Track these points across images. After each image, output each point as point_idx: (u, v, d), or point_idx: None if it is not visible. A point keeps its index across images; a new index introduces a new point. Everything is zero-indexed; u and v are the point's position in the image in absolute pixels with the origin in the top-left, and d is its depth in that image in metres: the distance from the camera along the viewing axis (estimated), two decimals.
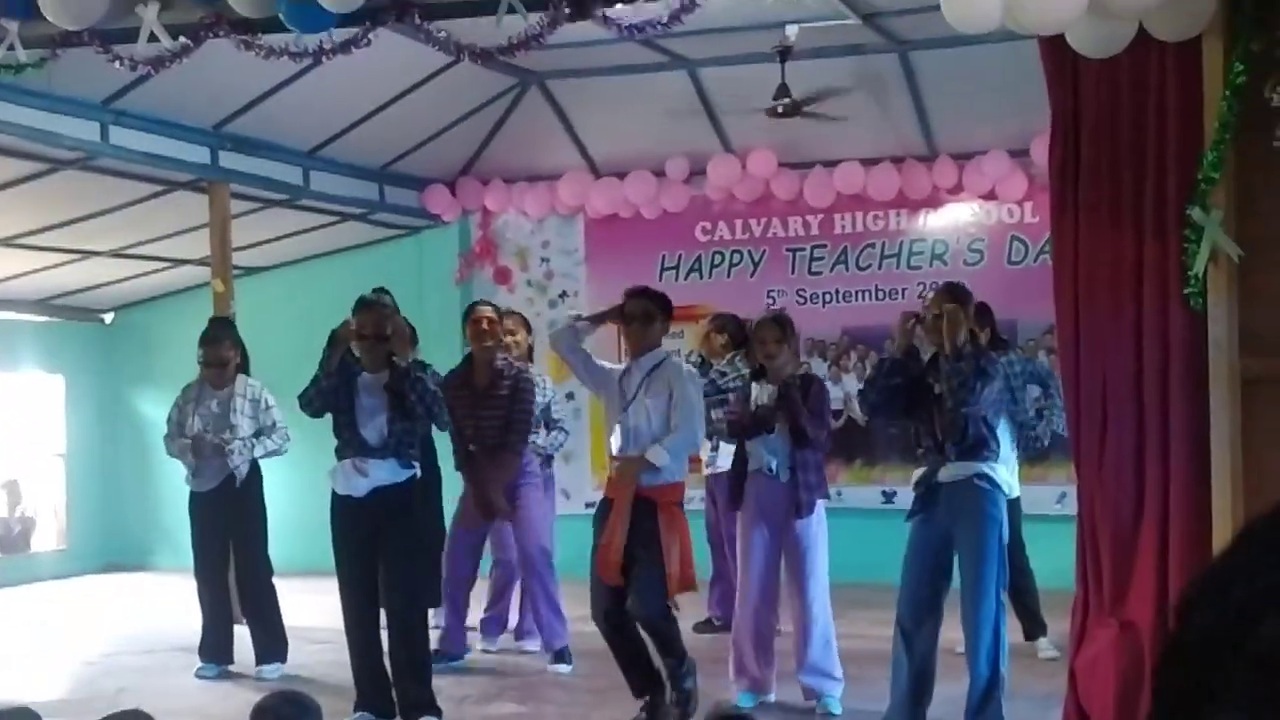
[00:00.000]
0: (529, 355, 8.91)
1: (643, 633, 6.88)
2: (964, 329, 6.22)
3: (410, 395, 6.95)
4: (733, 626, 7.37)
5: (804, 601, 7.10)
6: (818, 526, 7.11)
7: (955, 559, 6.42)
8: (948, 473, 6.33)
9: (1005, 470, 6.50)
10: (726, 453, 9.18)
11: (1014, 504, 8.17)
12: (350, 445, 7.07)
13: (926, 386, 6.38)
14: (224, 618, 8.50)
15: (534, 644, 8.85)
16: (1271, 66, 5.17)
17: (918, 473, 6.54)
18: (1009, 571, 8.25)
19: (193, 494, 8.44)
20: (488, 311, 8.39)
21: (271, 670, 8.35)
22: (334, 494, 7.14)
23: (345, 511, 7.08)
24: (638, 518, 6.71)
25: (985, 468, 6.32)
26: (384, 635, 7.19)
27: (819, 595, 7.11)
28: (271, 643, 8.44)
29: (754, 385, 7.29)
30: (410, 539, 7.14)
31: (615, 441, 6.88)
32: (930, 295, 6.56)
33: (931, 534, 6.42)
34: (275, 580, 8.65)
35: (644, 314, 6.96)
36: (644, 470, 6.73)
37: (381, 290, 7.22)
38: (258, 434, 8.44)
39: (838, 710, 7.11)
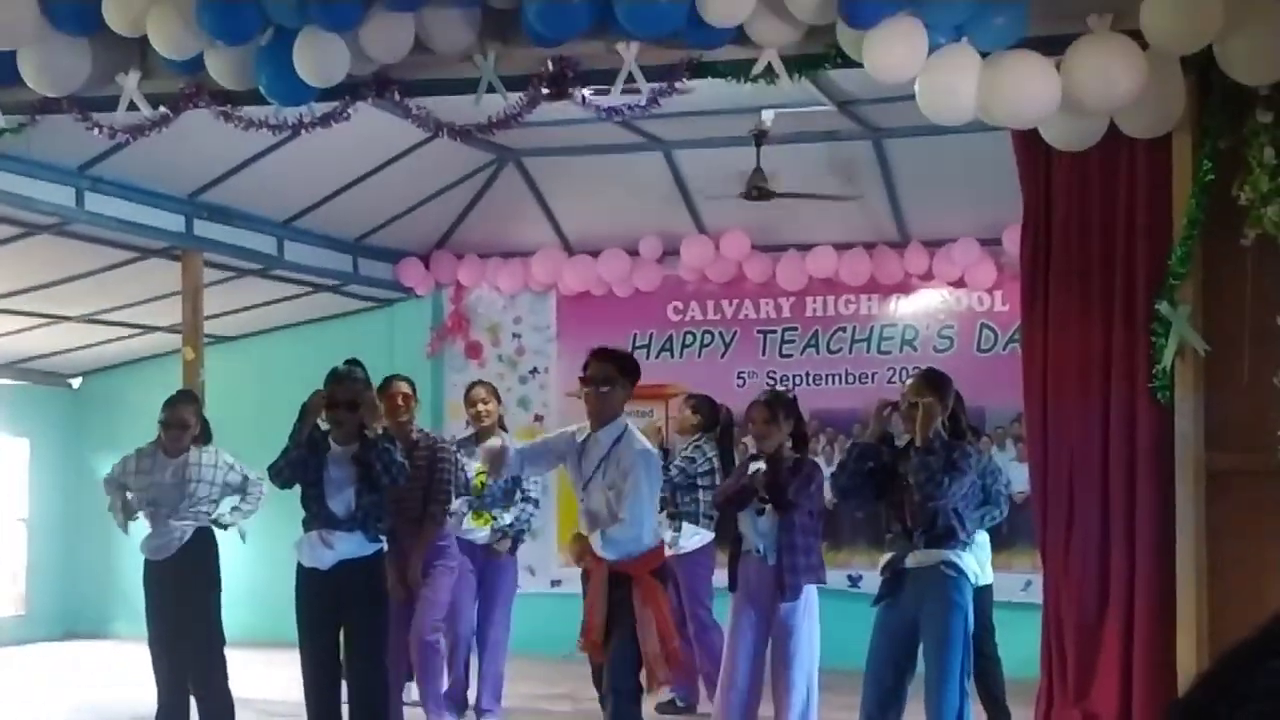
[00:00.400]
0: (500, 424, 8.90)
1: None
2: (937, 421, 6.24)
3: (376, 465, 6.95)
4: (717, 710, 7.28)
5: (783, 687, 7.04)
6: (804, 612, 7.02)
7: (920, 646, 6.41)
8: (915, 559, 6.35)
9: (972, 558, 6.50)
10: (690, 533, 9.18)
11: (985, 590, 8.18)
12: (317, 517, 7.05)
13: (898, 473, 6.40)
14: (179, 688, 8.38)
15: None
16: (1239, 165, 5.24)
17: (885, 558, 6.55)
18: (976, 658, 8.28)
19: (147, 562, 8.35)
20: (403, 387, 8.38)
21: None
22: (299, 566, 7.11)
23: (310, 583, 7.04)
24: (614, 591, 6.52)
25: (952, 555, 6.33)
26: (345, 710, 7.13)
27: (799, 682, 7.01)
28: (222, 715, 8.33)
29: (751, 464, 7.22)
30: (375, 613, 7.11)
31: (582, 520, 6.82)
32: (908, 381, 6.55)
33: (897, 620, 6.42)
34: (233, 651, 8.55)
35: (604, 378, 6.64)
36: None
37: (353, 362, 7.22)
38: (225, 490, 8.35)
39: None
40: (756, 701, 7.17)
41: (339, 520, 7.00)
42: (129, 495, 8.30)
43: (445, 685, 8.79)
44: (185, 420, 8.34)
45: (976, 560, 8.16)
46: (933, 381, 6.45)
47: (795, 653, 6.98)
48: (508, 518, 8.73)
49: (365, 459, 6.97)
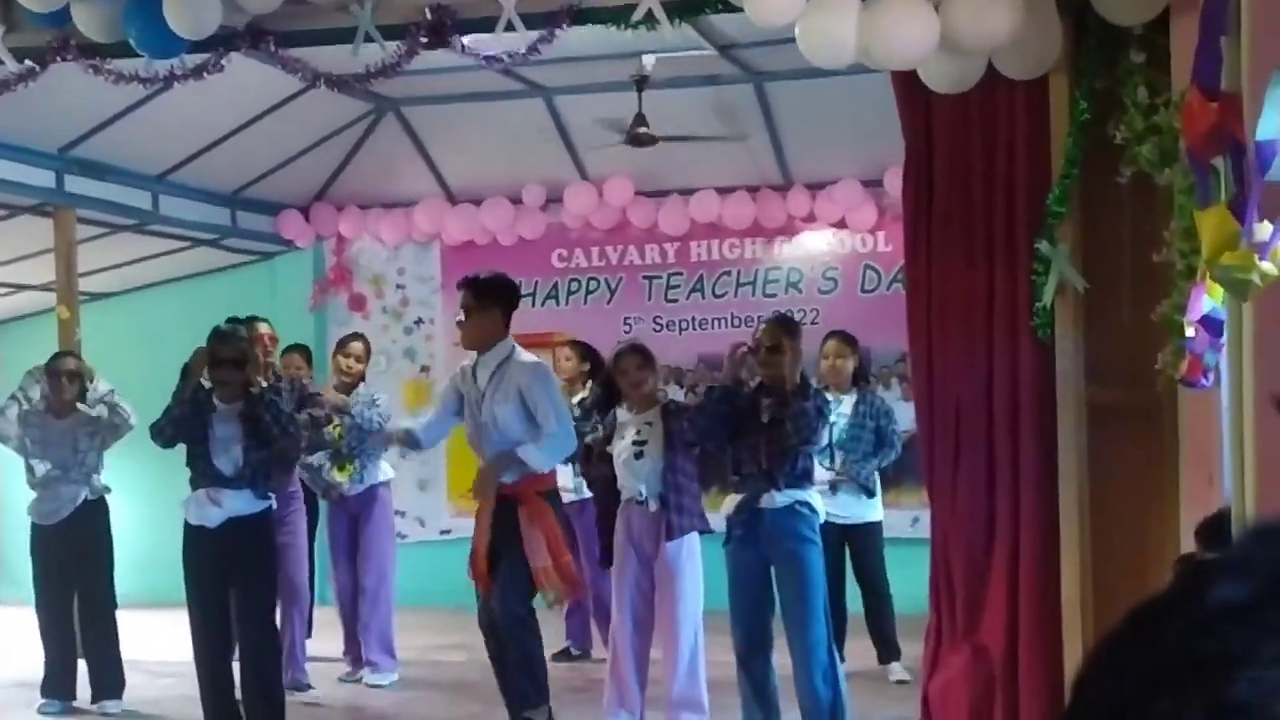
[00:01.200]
0: (360, 378, 8.91)
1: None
2: (800, 365, 6.48)
3: (265, 418, 6.91)
4: (610, 657, 7.32)
5: (668, 631, 7.09)
6: (687, 555, 7.08)
7: (775, 584, 6.54)
8: (770, 500, 6.45)
9: (819, 497, 6.67)
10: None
11: (875, 526, 8.32)
12: (204, 476, 7.01)
13: (753, 414, 6.49)
14: (68, 653, 8.28)
15: (382, 677, 8.80)
16: (1115, 104, 5.30)
17: (734, 499, 6.61)
18: (867, 595, 8.42)
19: (35, 526, 8.22)
20: (265, 328, 8.45)
21: (113, 706, 8.16)
22: (186, 525, 7.05)
23: (198, 542, 6.99)
24: (501, 516, 6.67)
25: (806, 495, 6.49)
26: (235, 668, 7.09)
27: (685, 625, 7.07)
28: (112, 678, 8.25)
29: (619, 412, 7.25)
30: (264, 571, 7.09)
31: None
32: (761, 326, 6.69)
33: (753, 561, 6.55)
34: (121, 613, 8.46)
35: (464, 306, 6.79)
36: (507, 469, 6.65)
37: (237, 320, 7.18)
38: (97, 425, 8.25)
39: None
40: (647, 647, 7.22)
41: (226, 478, 6.96)
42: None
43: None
44: (70, 368, 8.21)
45: (871, 503, 8.31)
46: (789, 327, 6.60)
47: (679, 597, 7.02)
48: (373, 466, 8.73)
49: (253, 414, 6.92)
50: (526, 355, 6.87)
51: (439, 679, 8.89)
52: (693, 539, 7.11)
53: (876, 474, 8.41)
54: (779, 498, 6.47)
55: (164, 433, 7.01)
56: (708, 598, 7.06)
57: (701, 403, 6.85)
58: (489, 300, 6.84)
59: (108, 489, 8.30)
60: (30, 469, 8.25)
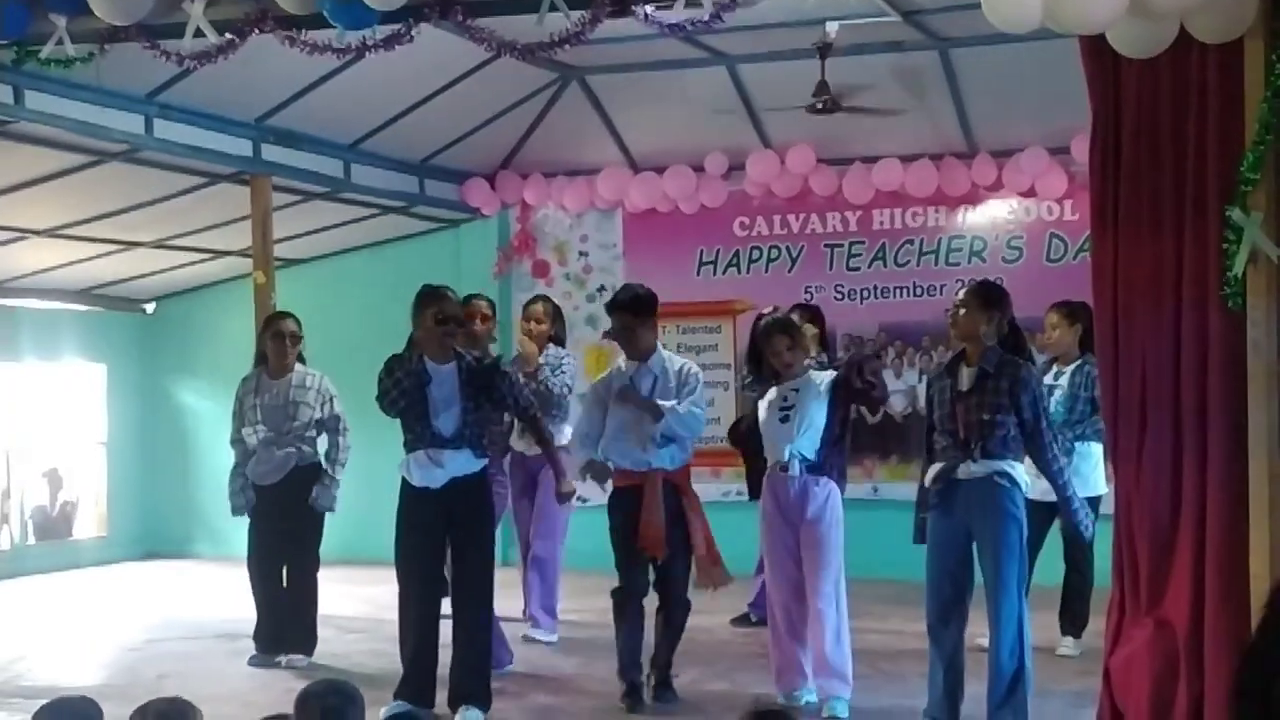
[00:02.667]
0: (552, 339, 8.98)
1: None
2: (981, 330, 6.41)
3: (508, 396, 7.16)
4: (770, 626, 7.38)
5: (813, 599, 7.11)
6: (831, 522, 7.10)
7: (975, 557, 6.46)
8: (967, 470, 6.37)
9: (1023, 468, 6.50)
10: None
11: (1095, 501, 8.06)
12: (422, 438, 7.06)
13: (949, 384, 6.43)
14: (278, 609, 8.53)
15: (542, 634, 8.99)
16: None
17: (934, 468, 6.54)
18: (1069, 572, 8.26)
19: (255, 486, 8.48)
20: (484, 306, 8.46)
21: (299, 661, 8.39)
22: (407, 485, 7.14)
23: (420, 502, 7.08)
24: (665, 498, 7.31)
25: (1006, 466, 6.36)
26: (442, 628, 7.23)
27: (829, 591, 7.08)
28: (303, 636, 8.49)
29: (773, 389, 7.27)
30: (484, 530, 7.18)
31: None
32: (958, 295, 6.63)
33: (951, 531, 6.46)
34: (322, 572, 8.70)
35: (636, 322, 7.38)
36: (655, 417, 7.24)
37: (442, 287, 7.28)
38: (319, 426, 8.46)
39: (844, 714, 7.02)
40: (805, 612, 7.19)
41: (445, 439, 7.03)
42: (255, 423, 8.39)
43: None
44: (295, 332, 8.44)
45: (1084, 471, 8.11)
46: (979, 292, 6.52)
47: (825, 562, 7.06)
48: (558, 429, 8.81)
49: (486, 383, 7.04)
50: (677, 357, 7.65)
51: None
52: (836, 507, 7.11)
53: (1093, 445, 8.19)
54: (975, 468, 6.37)
55: (396, 403, 6.99)
56: (906, 568, 7.05)
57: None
58: (647, 314, 7.44)
59: (316, 454, 8.50)
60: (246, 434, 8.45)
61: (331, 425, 8.48)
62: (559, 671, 8.38)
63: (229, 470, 8.60)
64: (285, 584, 8.51)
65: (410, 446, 7.12)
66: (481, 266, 12.47)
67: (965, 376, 6.42)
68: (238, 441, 8.48)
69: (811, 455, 7.06)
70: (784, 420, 7.11)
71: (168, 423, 13.58)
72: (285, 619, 8.47)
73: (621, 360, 7.57)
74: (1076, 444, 8.16)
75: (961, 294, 6.60)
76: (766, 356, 7.27)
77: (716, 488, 10.74)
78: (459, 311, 7.14)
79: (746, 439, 8.17)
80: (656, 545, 7.30)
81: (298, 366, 8.49)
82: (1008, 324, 6.54)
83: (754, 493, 7.90)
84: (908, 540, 6.95)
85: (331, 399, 8.50)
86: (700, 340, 12.13)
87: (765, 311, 7.97)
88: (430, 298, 7.06)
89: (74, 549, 12.92)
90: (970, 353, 6.45)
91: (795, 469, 7.06)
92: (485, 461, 7.20)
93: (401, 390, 6.96)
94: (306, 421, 8.40)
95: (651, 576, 7.48)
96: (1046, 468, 6.45)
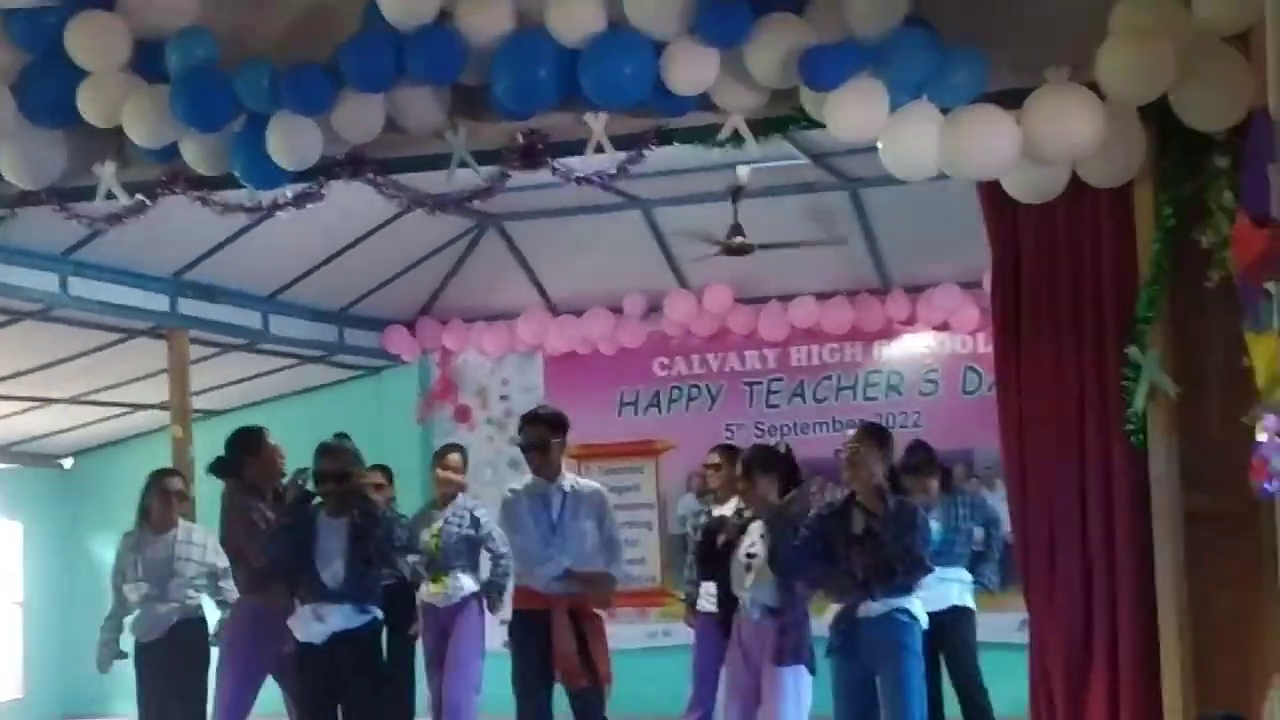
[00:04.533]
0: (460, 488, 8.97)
1: None
2: (875, 471, 6.52)
3: (371, 544, 7.02)
4: None
5: None
6: (792, 675, 7.02)
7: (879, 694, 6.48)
8: (867, 609, 6.42)
9: (919, 604, 6.59)
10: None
11: (966, 615, 8.22)
12: (309, 590, 7.03)
13: (844, 527, 6.49)
14: None
15: None
16: (1200, 211, 5.32)
17: (835, 609, 6.59)
18: (964, 693, 8.31)
19: (137, 643, 8.34)
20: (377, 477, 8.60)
21: None
22: (294, 641, 7.10)
23: (304, 658, 7.04)
24: (573, 624, 7.26)
25: (905, 602, 6.44)
26: None
27: None
28: None
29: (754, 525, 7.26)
30: (372, 686, 7.08)
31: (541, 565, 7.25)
32: (848, 435, 6.73)
33: (853, 672, 6.50)
34: None
35: (539, 441, 7.41)
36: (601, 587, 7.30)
37: (342, 435, 7.29)
38: (210, 577, 8.34)
39: None
40: None
41: (330, 592, 7.00)
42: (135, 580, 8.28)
43: None
44: (181, 490, 8.36)
45: (959, 589, 8.27)
46: (870, 433, 6.65)
47: (779, 713, 6.96)
48: (466, 578, 8.75)
49: (366, 533, 6.99)
50: (580, 479, 7.65)
51: None
52: (802, 679, 7.01)
53: (965, 571, 8.41)
54: (875, 607, 6.42)
55: (271, 568, 7.11)
56: (819, 704, 7.00)
57: (789, 544, 6.81)
58: (562, 432, 7.49)
59: (200, 608, 8.37)
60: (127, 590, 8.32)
61: (220, 573, 8.35)
62: None
63: None
64: None
65: (299, 599, 7.08)
66: (403, 413, 12.46)
67: (858, 519, 6.48)
68: (118, 593, 8.37)
69: (770, 601, 7.01)
70: (748, 566, 7.09)
71: (86, 579, 13.33)
72: None
73: (528, 477, 7.54)
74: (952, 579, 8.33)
75: (854, 434, 6.70)
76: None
77: (643, 629, 10.70)
78: (340, 467, 7.10)
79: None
80: (573, 675, 7.22)
81: (182, 522, 8.40)
82: (891, 466, 6.69)
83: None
84: (825, 676, 6.90)
85: (216, 550, 8.37)
86: (623, 480, 12.11)
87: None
88: (317, 454, 7.15)
89: None
90: (863, 493, 6.54)
91: (757, 614, 7.02)
92: (371, 615, 7.11)
93: (271, 558, 7.09)
94: (190, 576, 8.27)
95: (567, 707, 7.39)
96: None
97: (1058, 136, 5.28)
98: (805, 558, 6.57)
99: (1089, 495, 5.66)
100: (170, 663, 8.14)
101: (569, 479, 7.50)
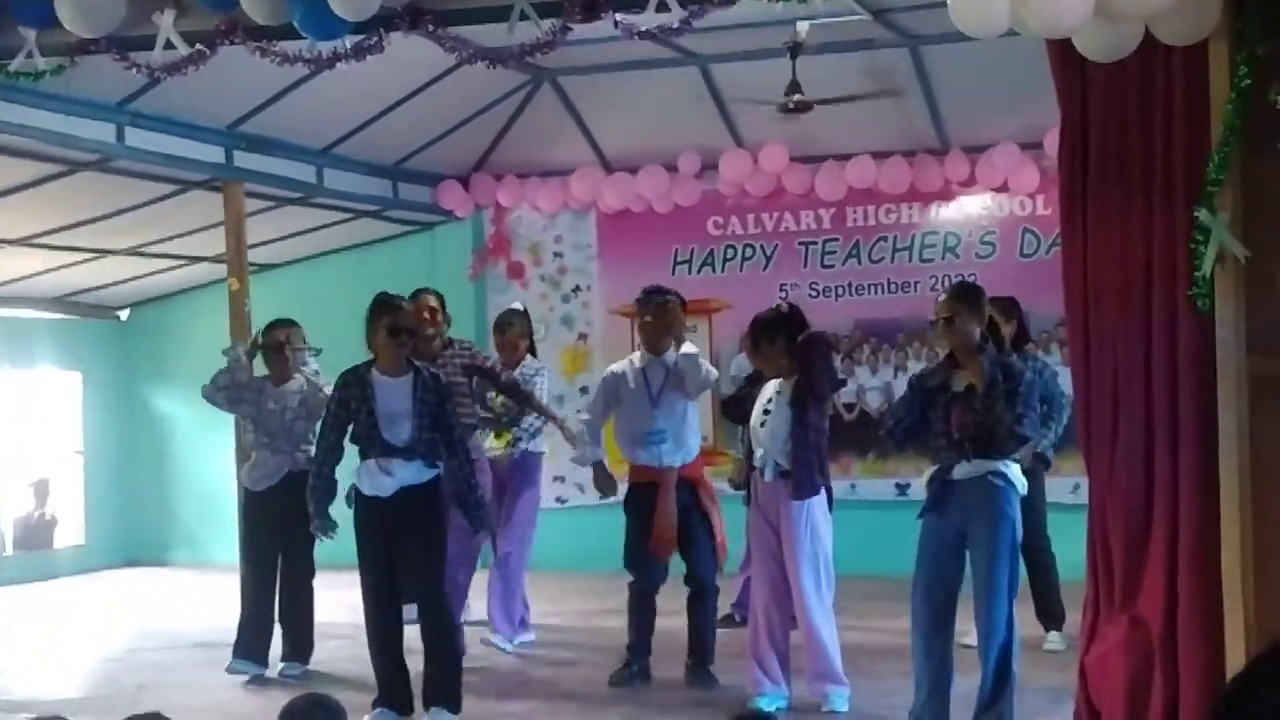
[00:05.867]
0: (530, 351, 9.10)
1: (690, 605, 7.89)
2: (971, 335, 6.36)
3: (442, 405, 7.10)
4: (750, 626, 7.42)
5: (798, 600, 7.14)
6: (807, 523, 7.10)
7: (968, 556, 6.45)
8: (963, 470, 6.37)
9: (1018, 468, 6.52)
10: None
11: (1037, 486, 8.18)
12: (374, 447, 7.08)
13: (944, 386, 6.42)
14: (266, 618, 8.51)
15: (499, 640, 8.90)
16: (1276, 71, 5.19)
17: (930, 469, 6.57)
18: (1032, 562, 8.32)
19: (246, 492, 8.48)
20: (430, 300, 8.52)
21: (294, 670, 8.38)
22: (358, 493, 7.17)
23: (370, 511, 7.11)
24: (681, 495, 7.78)
25: (1001, 465, 6.36)
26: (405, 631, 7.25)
27: (809, 594, 7.10)
28: (301, 645, 8.49)
29: (770, 384, 7.29)
30: (434, 535, 7.15)
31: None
32: (940, 298, 6.60)
33: (944, 531, 6.45)
34: None
35: (655, 321, 7.92)
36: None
37: (426, 289, 7.41)
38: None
39: (843, 708, 7.14)
40: (787, 613, 7.23)
41: (396, 449, 7.04)
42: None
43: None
44: (278, 340, 8.44)
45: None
46: (961, 294, 6.50)
47: (800, 563, 7.09)
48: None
49: (428, 398, 7.04)
50: (686, 346, 7.92)
51: (601, 643, 8.99)
52: (814, 505, 7.10)
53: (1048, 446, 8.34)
54: (970, 468, 6.37)
55: (331, 421, 7.18)
56: (883, 564, 7.06)
57: (892, 410, 6.83)
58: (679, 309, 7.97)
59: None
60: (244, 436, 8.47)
61: (315, 383, 8.45)
62: (532, 675, 8.39)
63: (209, 477, 8.61)
64: (280, 592, 8.48)
65: (362, 455, 7.14)
66: (456, 269, 12.48)
67: (958, 378, 6.41)
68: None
69: (784, 461, 7.07)
70: (762, 424, 7.15)
71: (144, 430, 13.55)
72: (274, 627, 8.46)
73: (636, 355, 7.99)
74: None
75: (945, 299, 6.50)
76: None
77: None
78: (410, 323, 7.15)
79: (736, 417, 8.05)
80: (666, 546, 7.76)
81: (299, 376, 8.48)
82: (988, 320, 6.56)
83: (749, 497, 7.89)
84: (885, 537, 6.97)
85: (309, 380, 8.47)
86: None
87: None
88: (382, 309, 7.12)
89: (52, 558, 12.90)
90: (961, 354, 6.45)
91: (769, 474, 7.09)
92: (437, 471, 7.17)
93: (337, 409, 7.11)
94: (302, 432, 8.38)
95: (683, 569, 7.91)
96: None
97: None
98: (904, 415, 6.54)
99: (1154, 360, 5.61)
100: (280, 514, 8.27)
101: (672, 355, 7.83)
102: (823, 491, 7.17)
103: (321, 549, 8.94)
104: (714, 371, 8.08)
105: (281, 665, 8.42)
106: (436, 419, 7.08)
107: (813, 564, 7.10)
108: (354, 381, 7.08)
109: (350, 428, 7.14)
